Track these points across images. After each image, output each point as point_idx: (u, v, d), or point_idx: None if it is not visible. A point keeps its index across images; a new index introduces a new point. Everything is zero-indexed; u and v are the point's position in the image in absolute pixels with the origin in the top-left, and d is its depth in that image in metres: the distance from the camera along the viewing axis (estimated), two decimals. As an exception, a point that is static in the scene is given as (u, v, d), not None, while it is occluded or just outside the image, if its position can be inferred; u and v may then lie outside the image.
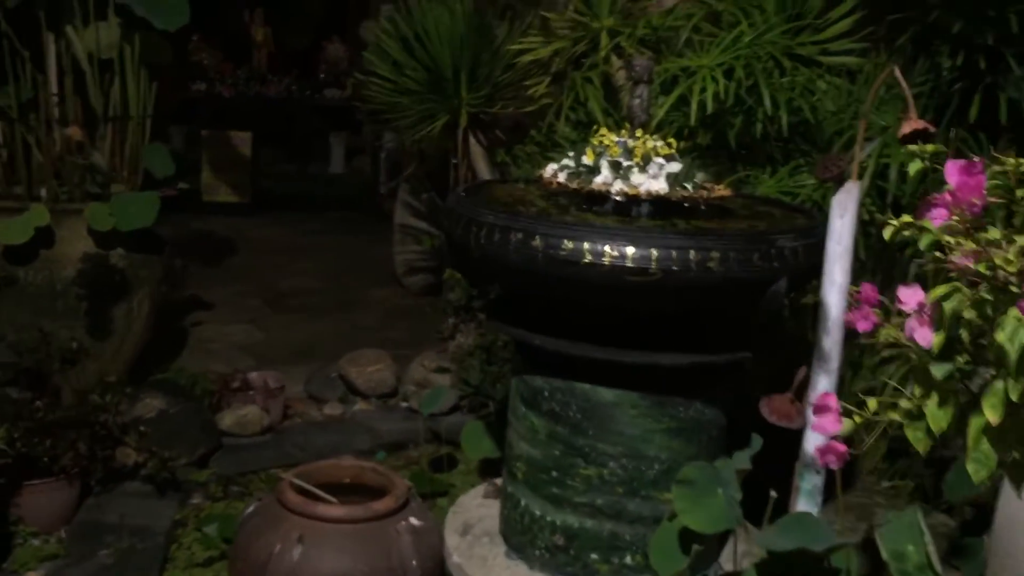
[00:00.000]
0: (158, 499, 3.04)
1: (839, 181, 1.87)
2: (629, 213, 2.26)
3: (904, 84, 1.79)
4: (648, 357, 2.16)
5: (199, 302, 5.60)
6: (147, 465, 3.04)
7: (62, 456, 2.85)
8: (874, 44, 3.30)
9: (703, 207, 2.27)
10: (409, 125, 3.91)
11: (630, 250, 1.99)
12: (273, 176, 8.76)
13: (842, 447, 1.22)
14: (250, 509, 2.51)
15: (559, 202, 2.37)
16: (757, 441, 1.97)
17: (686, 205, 2.25)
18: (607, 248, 2.00)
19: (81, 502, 2.94)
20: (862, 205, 2.87)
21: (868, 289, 1.17)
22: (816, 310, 2.11)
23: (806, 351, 2.23)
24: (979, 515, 2.72)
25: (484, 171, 3.94)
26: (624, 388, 2.22)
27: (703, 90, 2.68)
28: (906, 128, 1.57)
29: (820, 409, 1.22)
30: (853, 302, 1.17)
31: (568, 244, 2.02)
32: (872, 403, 1.20)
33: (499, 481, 2.63)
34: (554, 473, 2.30)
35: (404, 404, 4.00)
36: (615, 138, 2.31)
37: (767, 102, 2.72)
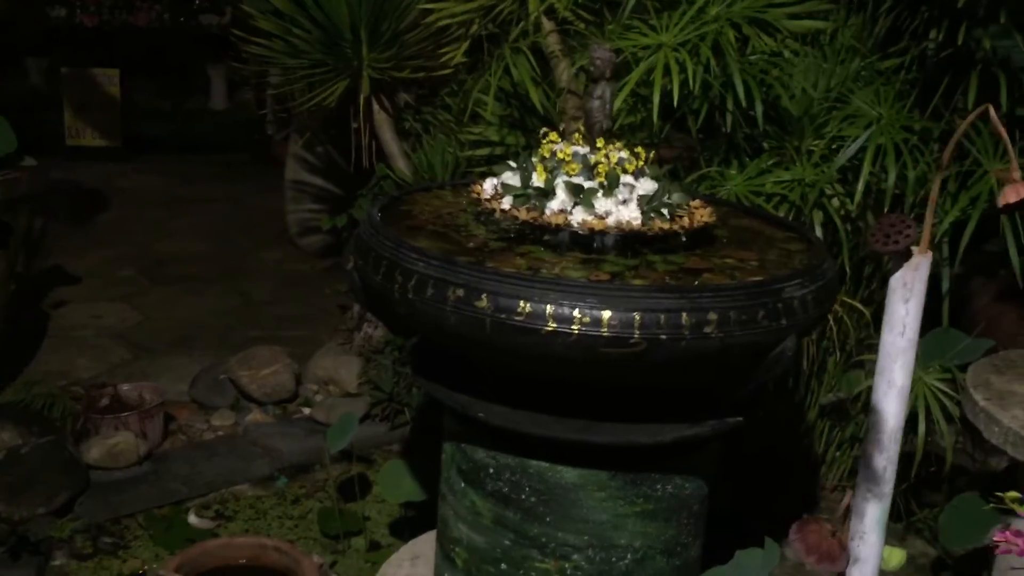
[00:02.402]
0: (9, 567, 2.50)
1: (904, 254, 1.44)
2: (591, 246, 1.80)
3: (1003, 132, 1.36)
4: (622, 435, 1.73)
5: (62, 275, 4.92)
6: (-8, 528, 2.50)
7: None
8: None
9: (683, 238, 1.83)
10: (300, 91, 3.32)
11: (606, 314, 1.54)
12: (146, 115, 7.94)
13: None
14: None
15: (502, 228, 1.89)
16: (772, 551, 1.58)
17: (660, 234, 1.80)
18: (576, 313, 1.54)
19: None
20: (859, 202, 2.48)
21: None
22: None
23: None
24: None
25: (390, 142, 3.40)
26: (590, 467, 1.79)
27: (666, 76, 2.21)
28: (1011, 195, 1.16)
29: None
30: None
31: (525, 307, 1.56)
32: None
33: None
34: (503, 566, 1.87)
35: (306, 411, 3.50)
36: (571, 149, 1.84)
37: (740, 91, 2.27)
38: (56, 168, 6.96)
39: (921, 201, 2.35)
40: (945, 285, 2.56)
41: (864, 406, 2.75)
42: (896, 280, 1.46)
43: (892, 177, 2.25)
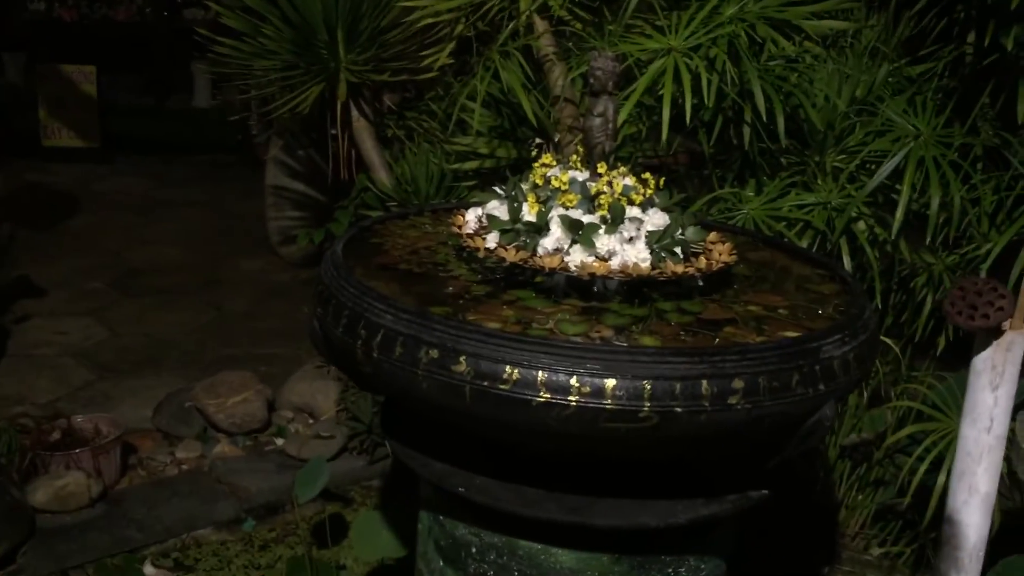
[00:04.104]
0: (-63, 632, 2.24)
1: (993, 330, 1.17)
2: (590, 290, 1.53)
3: None
4: (627, 516, 1.47)
5: (28, 287, 4.64)
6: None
7: None
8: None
9: (700, 282, 1.56)
10: (272, 96, 3.05)
11: (610, 383, 1.27)
12: (126, 114, 7.64)
13: None
14: None
15: (486, 266, 1.61)
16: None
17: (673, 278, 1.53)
18: (574, 381, 1.27)
19: None
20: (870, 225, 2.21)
21: None
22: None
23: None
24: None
25: (371, 150, 3.13)
26: (590, 549, 1.52)
27: (675, 84, 1.94)
28: None
29: None
30: None
31: (511, 373, 1.29)
32: None
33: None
34: (487, 661, 1.60)
35: (278, 442, 3.22)
36: (568, 176, 1.56)
37: (760, 101, 2.00)
38: (30, 170, 6.71)
39: (965, 227, 2.08)
40: None
41: (888, 448, 2.49)
42: (982, 362, 1.18)
43: (936, 202, 1.98)
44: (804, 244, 2.11)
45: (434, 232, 1.84)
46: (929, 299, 2.30)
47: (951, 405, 2.16)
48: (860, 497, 2.66)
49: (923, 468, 2.03)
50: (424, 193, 2.90)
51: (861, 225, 2.26)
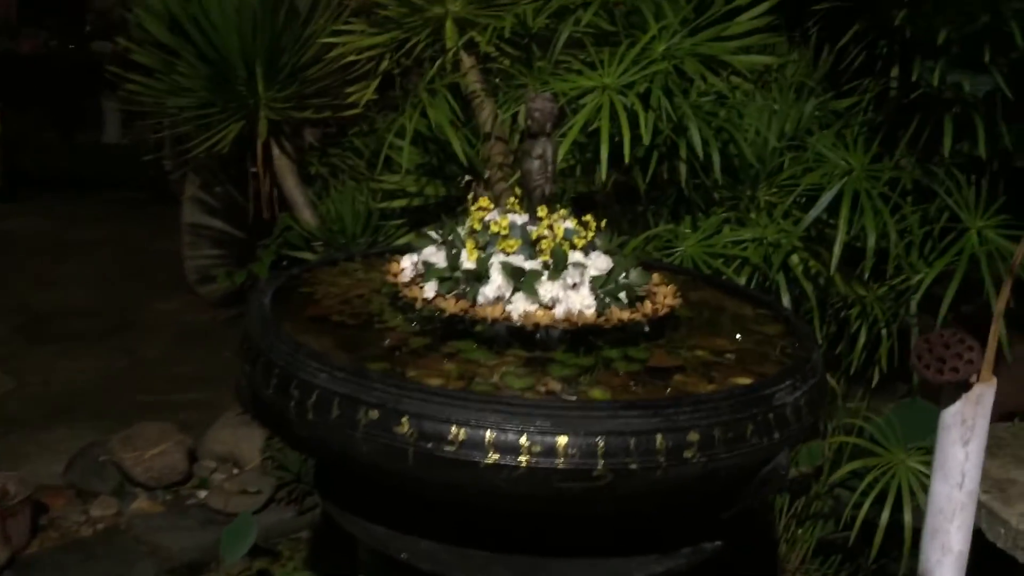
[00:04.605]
0: None
1: (963, 383, 1.14)
2: (533, 339, 1.47)
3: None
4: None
5: (-75, 338, 4.39)
6: None
7: None
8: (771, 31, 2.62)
9: (646, 328, 1.51)
10: (191, 133, 2.93)
11: (562, 441, 1.21)
12: (32, 150, 7.35)
13: None
14: None
15: (423, 316, 1.54)
16: None
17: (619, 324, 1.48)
18: (523, 440, 1.21)
19: None
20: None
21: None
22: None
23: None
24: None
25: (293, 189, 3.03)
26: (539, 611, 1.45)
27: (612, 122, 1.90)
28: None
29: None
30: None
31: (457, 433, 1.21)
32: None
33: None
34: None
35: (201, 494, 3.07)
36: (508, 220, 1.51)
37: (696, 138, 1.97)
38: (-74, 212, 6.40)
39: (895, 259, 2.09)
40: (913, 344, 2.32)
41: (830, 485, 2.48)
42: (952, 416, 1.15)
43: (873, 239, 1.98)
44: (742, 280, 2.09)
45: (366, 279, 1.76)
46: (863, 331, 2.30)
47: (890, 437, 2.15)
48: (800, 531, 2.64)
49: (867, 504, 2.01)
50: (351, 232, 2.82)
51: (795, 259, 2.25)
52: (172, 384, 4.09)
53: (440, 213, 2.86)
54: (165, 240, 5.65)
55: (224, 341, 4.23)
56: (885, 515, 1.99)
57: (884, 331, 2.26)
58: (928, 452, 2.10)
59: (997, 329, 1.13)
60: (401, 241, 2.67)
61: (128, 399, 3.88)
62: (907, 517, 2.02)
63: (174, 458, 3.10)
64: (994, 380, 1.15)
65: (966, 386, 1.13)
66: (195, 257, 5.07)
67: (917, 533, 2.00)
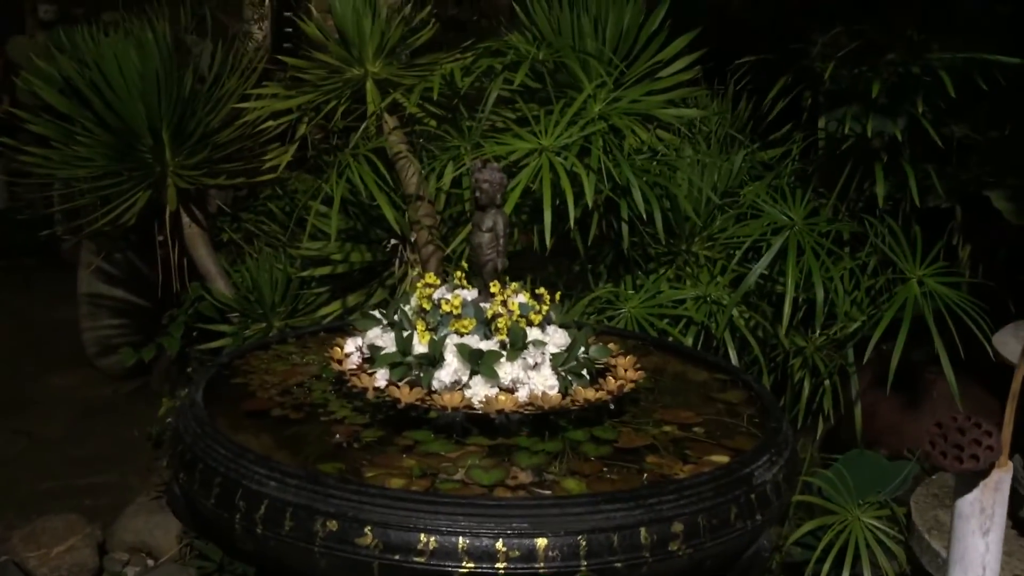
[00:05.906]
0: None
1: (982, 472, 1.08)
2: (492, 425, 1.37)
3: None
4: None
5: None
6: None
7: None
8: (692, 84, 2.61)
9: (611, 405, 1.43)
10: (89, 206, 2.76)
11: (541, 543, 1.11)
12: (-91, 219, 6.92)
13: None
14: None
15: (370, 402, 1.43)
16: None
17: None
18: (500, 545, 1.11)
19: None
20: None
21: None
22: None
23: None
24: None
25: (205, 258, 2.87)
26: None
27: (554, 187, 1.83)
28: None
29: None
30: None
31: (427, 542, 1.11)
32: None
33: None
34: None
35: (115, 590, 2.86)
36: (461, 296, 1.41)
37: (638, 197, 1.92)
38: None
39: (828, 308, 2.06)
40: (854, 393, 2.30)
41: (783, 540, 2.43)
42: (969, 505, 1.08)
43: (821, 294, 1.95)
44: (689, 340, 2.03)
45: (303, 364, 1.63)
46: (807, 382, 2.27)
47: (841, 491, 2.12)
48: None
49: (827, 565, 1.97)
50: (269, 302, 2.67)
51: (736, 314, 2.21)
52: (75, 467, 3.83)
53: (363, 279, 2.76)
54: (60, 310, 5.35)
55: (128, 416, 3.99)
56: (846, 575, 1.95)
57: (827, 382, 2.24)
58: (880, 507, 2.07)
59: (1012, 412, 1.07)
60: (325, 310, 2.55)
61: (27, 487, 3.61)
62: (867, 574, 1.98)
63: (83, 554, 2.87)
64: (1010, 465, 1.10)
65: (983, 473, 1.07)
66: (94, 328, 4.80)
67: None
